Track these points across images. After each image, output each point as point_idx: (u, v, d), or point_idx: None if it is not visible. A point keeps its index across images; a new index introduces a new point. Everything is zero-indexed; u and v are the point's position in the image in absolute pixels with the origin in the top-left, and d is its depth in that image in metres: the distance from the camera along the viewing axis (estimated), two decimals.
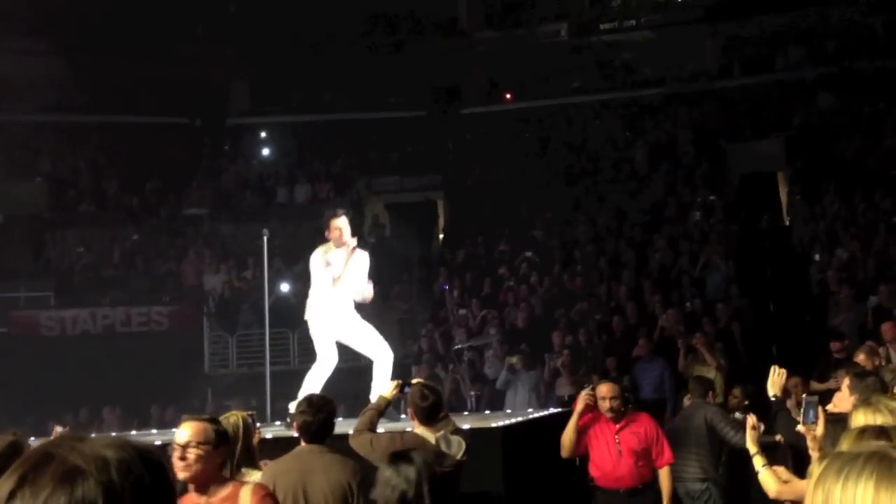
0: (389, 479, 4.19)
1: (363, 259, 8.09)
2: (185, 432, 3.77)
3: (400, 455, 4.27)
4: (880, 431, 2.47)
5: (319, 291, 8.02)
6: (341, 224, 7.99)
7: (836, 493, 1.42)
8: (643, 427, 6.76)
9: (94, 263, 19.20)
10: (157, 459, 1.34)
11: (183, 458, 3.72)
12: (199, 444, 3.73)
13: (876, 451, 1.40)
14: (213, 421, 3.98)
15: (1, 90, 23.67)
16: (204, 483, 3.80)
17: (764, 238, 15.35)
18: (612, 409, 6.57)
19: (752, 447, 4.36)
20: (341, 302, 8.04)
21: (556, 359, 11.66)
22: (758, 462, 4.32)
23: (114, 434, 1.43)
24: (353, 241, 8.04)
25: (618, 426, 6.67)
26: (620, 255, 16.11)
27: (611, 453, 6.66)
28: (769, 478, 4.25)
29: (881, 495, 1.35)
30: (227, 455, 3.95)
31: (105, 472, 1.26)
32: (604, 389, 6.64)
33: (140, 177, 23.06)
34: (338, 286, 7.93)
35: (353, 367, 8.25)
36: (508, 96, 26.69)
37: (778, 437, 6.95)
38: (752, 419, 4.50)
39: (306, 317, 8.19)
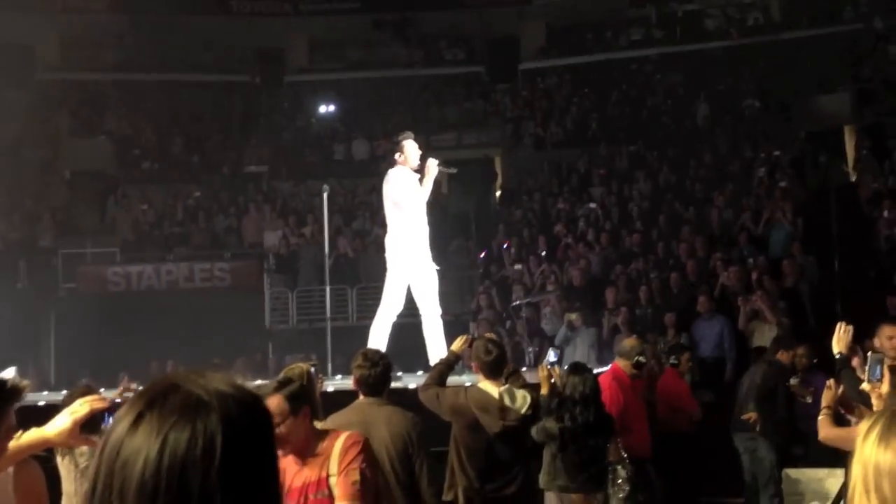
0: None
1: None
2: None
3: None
4: None
5: (401, 221, 7.77)
6: (414, 145, 7.84)
7: (872, 444, 1.42)
8: None
9: (158, 220, 19.56)
10: (264, 403, 1.39)
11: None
12: (281, 420, 3.68)
13: None
14: (282, 387, 3.87)
15: (64, 49, 24.12)
16: (301, 449, 3.78)
17: (830, 194, 14.98)
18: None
19: (823, 402, 4.65)
20: (421, 235, 7.82)
21: (615, 316, 11.60)
22: (823, 411, 4.62)
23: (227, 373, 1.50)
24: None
25: None
26: (681, 212, 15.89)
27: None
28: (823, 422, 4.56)
29: None
30: (309, 411, 3.88)
31: (226, 407, 1.30)
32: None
33: (201, 134, 23.35)
34: (416, 213, 7.73)
35: (413, 323, 8.22)
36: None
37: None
38: (832, 383, 4.74)
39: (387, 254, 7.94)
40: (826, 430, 4.58)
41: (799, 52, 22.82)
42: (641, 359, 7.31)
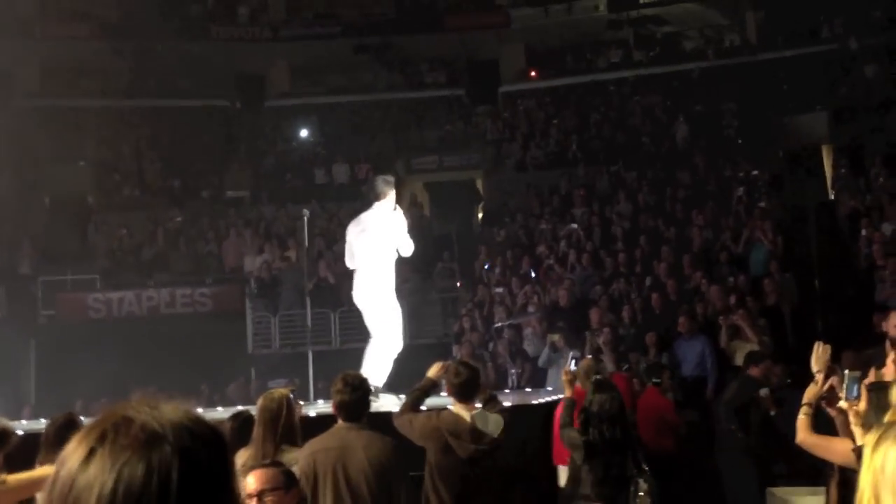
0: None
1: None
2: (254, 481, 3.68)
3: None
4: None
5: (388, 261, 8.02)
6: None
7: (890, 456, 1.42)
8: None
9: (138, 246, 19.47)
10: (223, 435, 1.35)
11: None
12: (272, 490, 3.65)
13: None
14: (278, 464, 3.92)
15: (45, 75, 24.09)
16: None
17: (808, 213, 15.12)
18: None
19: (805, 398, 4.60)
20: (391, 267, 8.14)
21: (597, 336, 11.61)
22: (803, 409, 4.55)
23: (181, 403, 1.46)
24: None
25: None
26: (661, 232, 15.97)
27: None
28: (803, 423, 4.50)
29: None
30: (300, 496, 3.87)
31: (182, 439, 1.26)
32: None
33: (182, 159, 23.32)
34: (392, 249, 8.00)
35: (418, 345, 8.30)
36: (533, 73, 26.49)
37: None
38: (820, 377, 4.70)
39: (369, 288, 8.08)
40: (804, 434, 4.52)
41: (776, 72, 23.08)
42: (598, 377, 7.42)
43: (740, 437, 8.08)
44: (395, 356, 8.09)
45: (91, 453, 1.25)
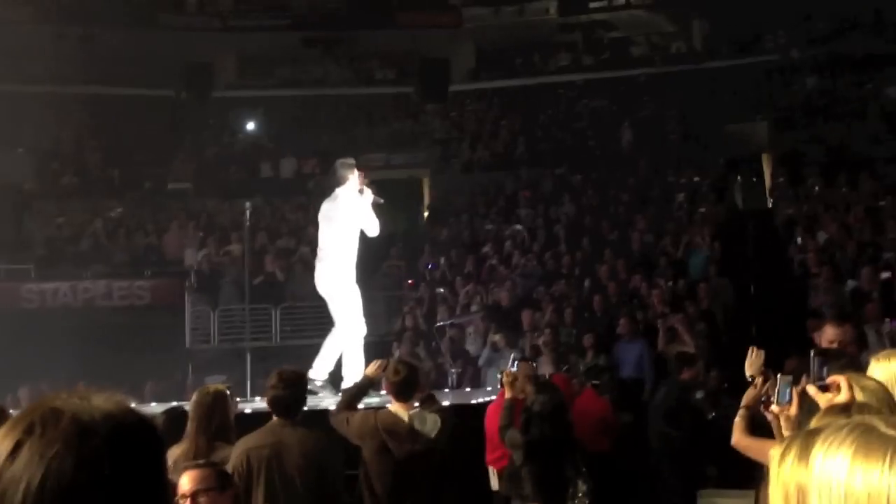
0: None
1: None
2: (187, 481, 3.64)
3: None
4: (843, 409, 2.49)
5: (352, 249, 7.98)
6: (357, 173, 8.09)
7: (817, 460, 1.43)
8: None
9: (76, 236, 19.08)
10: (155, 427, 1.32)
11: None
12: (206, 490, 3.59)
13: (861, 422, 1.40)
14: (213, 464, 3.87)
15: None
16: None
17: (747, 220, 15.41)
18: None
19: (743, 401, 4.67)
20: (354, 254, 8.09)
21: (537, 337, 11.68)
22: (740, 412, 4.62)
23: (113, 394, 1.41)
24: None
25: None
26: (604, 234, 16.14)
27: None
28: (738, 426, 4.56)
29: (856, 464, 1.35)
30: (236, 496, 3.81)
31: (114, 432, 1.23)
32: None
33: (123, 149, 22.90)
34: (356, 234, 7.99)
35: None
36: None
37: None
38: (759, 381, 4.77)
39: (333, 276, 8.00)
40: (739, 436, 4.60)
41: (720, 80, 23.47)
42: (540, 377, 7.61)
43: (673, 439, 8.19)
44: (361, 344, 8.05)
45: (18, 446, 1.21)
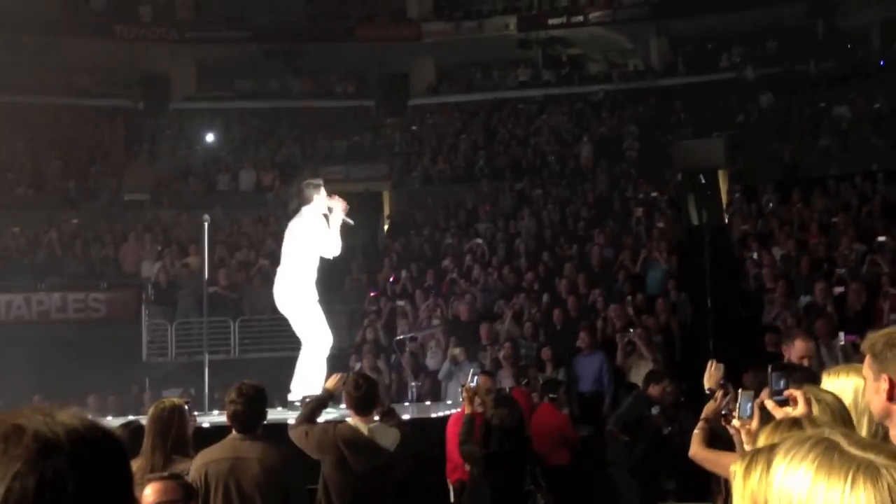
0: None
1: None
2: (151, 493, 3.60)
3: None
4: (794, 423, 2.52)
5: (312, 266, 7.95)
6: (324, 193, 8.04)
7: (778, 474, 1.43)
8: None
9: (31, 247, 18.77)
10: (121, 443, 1.29)
11: None
12: (169, 502, 3.57)
13: (824, 438, 1.40)
14: (177, 477, 3.84)
15: None
16: None
17: (703, 235, 15.59)
18: None
19: (703, 413, 4.73)
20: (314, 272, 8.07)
21: (497, 351, 11.71)
22: (699, 424, 4.68)
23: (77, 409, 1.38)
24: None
25: None
26: (563, 249, 16.24)
27: None
28: (697, 437, 4.62)
29: (818, 482, 1.36)
30: None
31: (78, 448, 1.20)
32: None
33: (80, 160, 22.62)
34: (317, 253, 7.94)
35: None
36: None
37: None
38: (720, 394, 4.83)
39: (293, 293, 7.96)
40: (697, 448, 4.65)
41: (676, 97, 23.83)
42: (498, 391, 7.71)
43: (631, 453, 8.25)
44: (326, 356, 8.02)
45: None
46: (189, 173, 23.00)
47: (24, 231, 19.04)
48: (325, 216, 7.96)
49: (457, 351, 11.82)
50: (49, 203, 20.72)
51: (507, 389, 9.57)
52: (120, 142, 23.76)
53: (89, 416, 1.28)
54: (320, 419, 5.93)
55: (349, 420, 5.72)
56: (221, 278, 15.92)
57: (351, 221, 8.07)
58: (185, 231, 19.27)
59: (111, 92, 24.31)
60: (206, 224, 10.08)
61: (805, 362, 5.41)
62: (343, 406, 7.28)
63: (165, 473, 3.93)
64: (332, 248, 7.91)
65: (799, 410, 2.89)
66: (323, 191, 8.01)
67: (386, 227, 22.02)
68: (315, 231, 7.86)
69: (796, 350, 5.65)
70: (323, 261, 8.11)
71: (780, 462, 1.41)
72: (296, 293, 7.89)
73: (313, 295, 7.95)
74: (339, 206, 7.94)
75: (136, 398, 13.92)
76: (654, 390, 8.15)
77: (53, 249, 18.46)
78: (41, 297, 16.86)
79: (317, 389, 7.69)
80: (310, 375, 7.79)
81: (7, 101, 22.63)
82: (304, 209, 7.96)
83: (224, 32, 26.07)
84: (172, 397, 5.76)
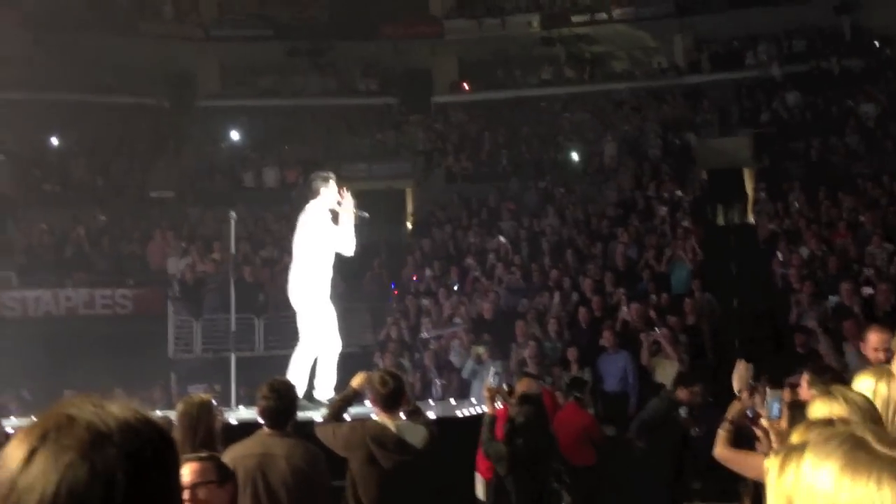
0: None
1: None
2: (187, 473, 3.58)
3: None
4: (827, 423, 2.51)
5: (321, 262, 7.77)
6: (335, 187, 7.80)
7: (805, 470, 1.42)
8: None
9: (58, 244, 18.95)
10: (170, 435, 1.31)
11: (193, 500, 3.55)
12: (205, 483, 3.56)
13: (852, 435, 1.39)
14: (213, 458, 3.83)
15: None
16: None
17: (729, 234, 15.52)
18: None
19: (727, 414, 4.69)
20: (328, 270, 7.87)
21: (521, 349, 11.70)
22: (724, 425, 4.65)
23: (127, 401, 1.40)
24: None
25: None
26: (587, 248, 16.20)
27: None
28: (722, 438, 4.60)
29: (843, 479, 1.35)
30: (234, 491, 3.77)
31: (129, 439, 1.22)
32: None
33: (106, 157, 22.80)
34: (327, 249, 7.74)
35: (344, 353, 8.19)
36: (466, 86, 26.71)
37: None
38: (745, 395, 4.81)
39: (299, 289, 7.83)
40: (722, 448, 4.63)
41: (701, 95, 23.68)
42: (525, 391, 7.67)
43: (655, 454, 8.22)
44: (334, 360, 7.93)
45: (32, 454, 1.20)
46: (214, 170, 23.13)
47: (51, 227, 19.23)
48: (335, 210, 7.76)
49: (481, 349, 11.83)
50: (76, 200, 20.90)
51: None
52: (146, 139, 23.93)
53: (140, 409, 1.29)
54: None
55: (376, 417, 5.73)
56: (246, 275, 16.01)
57: (365, 214, 7.90)
58: (211, 228, 19.39)
59: (137, 90, 24.47)
60: (232, 221, 10.13)
61: (881, 356, 5.26)
62: (367, 404, 7.31)
63: (203, 454, 3.95)
64: (345, 244, 7.70)
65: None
66: (332, 183, 7.76)
67: (409, 224, 22.05)
68: (320, 225, 7.69)
69: (871, 342, 5.53)
70: (344, 258, 7.99)
71: (808, 458, 1.41)
72: (303, 290, 7.74)
73: (322, 293, 7.76)
74: (348, 200, 7.74)
75: (162, 393, 14.03)
76: (682, 393, 8.08)
77: (81, 246, 18.62)
78: (69, 293, 17.02)
79: (330, 391, 7.69)
80: (295, 375, 7.57)
81: (34, 98, 22.86)
82: (311, 203, 7.79)
83: (248, 30, 26.18)
84: (200, 393, 5.80)
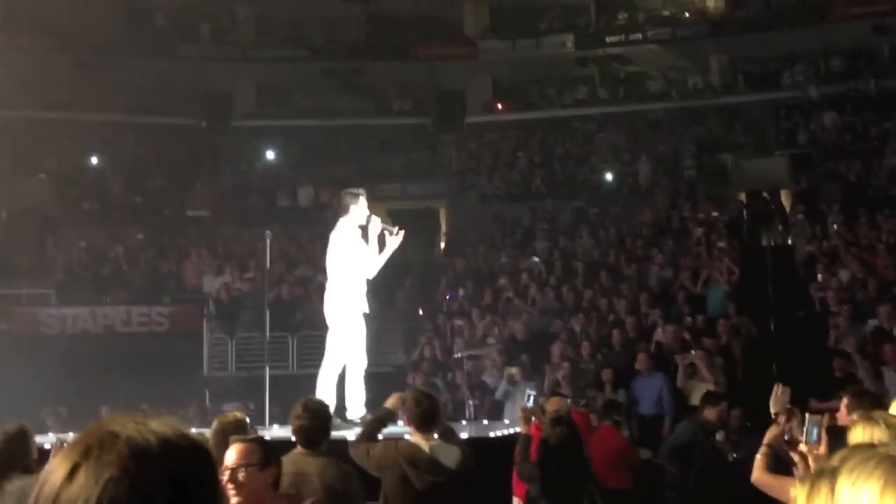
0: None
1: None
2: (232, 454, 3.63)
3: None
4: (868, 448, 2.47)
5: (349, 279, 7.81)
6: (364, 203, 7.87)
7: (843, 493, 1.40)
8: None
9: (96, 262, 19.20)
10: (210, 452, 1.33)
11: (233, 481, 3.59)
12: (247, 465, 3.60)
13: (889, 456, 1.38)
14: (260, 441, 3.87)
15: (8, 86, 23.75)
16: None
17: (766, 256, 15.33)
18: None
19: (766, 439, 4.61)
20: (358, 288, 7.88)
21: (555, 371, 11.63)
22: (761, 449, 4.59)
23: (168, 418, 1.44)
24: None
25: None
26: (621, 268, 16.11)
27: None
28: (760, 463, 4.54)
29: (886, 497, 1.33)
30: (277, 474, 3.80)
31: (169, 456, 1.24)
32: None
33: (144, 176, 23.10)
34: (355, 266, 7.78)
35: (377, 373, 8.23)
36: (500, 106, 26.76)
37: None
38: (783, 419, 4.72)
39: (330, 306, 7.88)
40: (760, 473, 4.56)
41: (736, 116, 23.53)
42: (557, 412, 7.62)
43: (691, 478, 8.11)
44: (361, 377, 7.97)
45: (75, 468, 1.22)
46: (250, 190, 23.35)
47: (90, 246, 19.49)
48: (364, 227, 7.80)
49: (514, 370, 11.77)
50: (114, 218, 21.18)
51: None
52: (183, 159, 24.22)
53: (180, 426, 1.31)
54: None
55: (410, 437, 5.72)
56: (281, 294, 16.11)
57: (393, 229, 7.90)
58: (246, 247, 19.55)
59: (175, 110, 24.81)
60: (267, 240, 10.21)
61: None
62: (401, 424, 7.31)
63: (250, 435, 3.95)
64: (369, 267, 7.75)
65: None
66: (362, 200, 7.83)
67: (442, 244, 22.07)
68: (350, 242, 7.74)
69: None
70: (376, 277, 8.03)
71: (845, 482, 1.39)
72: (333, 306, 7.81)
73: (353, 309, 7.79)
74: (375, 225, 7.76)
75: (197, 411, 14.11)
76: (710, 413, 7.96)
77: (118, 264, 18.86)
78: (106, 311, 17.23)
79: (359, 409, 7.71)
80: (324, 392, 7.60)
81: (75, 119, 23.26)
82: (341, 220, 7.86)
83: (284, 51, 26.46)
84: (235, 411, 5.82)
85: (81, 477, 1.21)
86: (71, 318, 17.01)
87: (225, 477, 3.57)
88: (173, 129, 24.86)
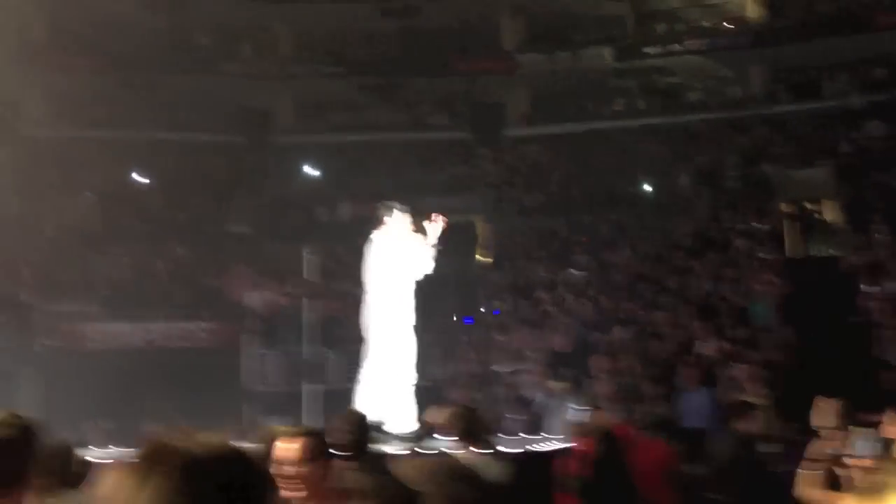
0: None
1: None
2: (287, 449, 3.64)
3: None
4: None
5: (390, 292, 7.90)
6: (399, 216, 7.97)
7: None
8: None
9: (139, 278, 19.44)
10: (263, 467, 1.40)
11: (288, 477, 3.57)
12: (303, 460, 3.60)
13: None
14: (314, 433, 3.85)
15: (52, 106, 24.23)
16: (314, 498, 3.63)
17: (810, 267, 15.13)
18: None
19: (809, 453, 4.70)
20: (397, 300, 7.99)
21: (597, 384, 11.54)
22: (806, 464, 4.64)
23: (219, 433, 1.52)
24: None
25: None
26: (662, 281, 15.96)
27: None
28: (802, 479, 4.57)
29: None
30: (328, 468, 3.79)
31: (223, 470, 1.30)
32: None
33: (185, 192, 23.36)
34: (393, 279, 7.87)
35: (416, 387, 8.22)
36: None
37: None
38: (827, 433, 4.84)
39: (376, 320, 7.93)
40: (804, 488, 4.48)
41: (778, 126, 23.25)
42: (602, 427, 7.56)
43: (734, 492, 7.97)
44: (410, 392, 7.94)
45: (139, 482, 1.29)
46: (289, 205, 23.50)
47: (133, 262, 19.73)
48: (397, 239, 7.87)
49: (555, 384, 11.69)
50: (156, 235, 21.43)
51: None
52: (223, 175, 24.47)
53: (232, 442, 1.38)
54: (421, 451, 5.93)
55: (451, 451, 5.69)
56: (320, 309, 16.17)
57: (435, 242, 7.93)
58: (286, 262, 19.66)
59: (215, 127, 25.09)
60: (306, 255, 10.28)
61: None
62: (442, 438, 7.27)
63: (304, 429, 3.94)
64: (416, 268, 7.80)
65: None
66: (396, 213, 7.92)
67: (480, 257, 22.03)
68: (384, 254, 7.78)
69: None
70: (417, 291, 8.04)
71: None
72: (372, 319, 7.86)
73: (394, 322, 7.86)
74: (436, 226, 7.84)
75: (237, 425, 14.17)
76: (742, 425, 7.84)
77: (160, 280, 19.07)
78: (148, 326, 17.43)
79: (405, 423, 7.69)
80: (364, 405, 7.64)
81: (116, 137, 23.62)
82: (375, 233, 7.91)
83: (322, 67, 26.66)
84: (275, 425, 5.83)
85: (146, 490, 1.28)
86: (113, 333, 17.23)
87: (279, 472, 3.54)
88: (214, 146, 25.14)
